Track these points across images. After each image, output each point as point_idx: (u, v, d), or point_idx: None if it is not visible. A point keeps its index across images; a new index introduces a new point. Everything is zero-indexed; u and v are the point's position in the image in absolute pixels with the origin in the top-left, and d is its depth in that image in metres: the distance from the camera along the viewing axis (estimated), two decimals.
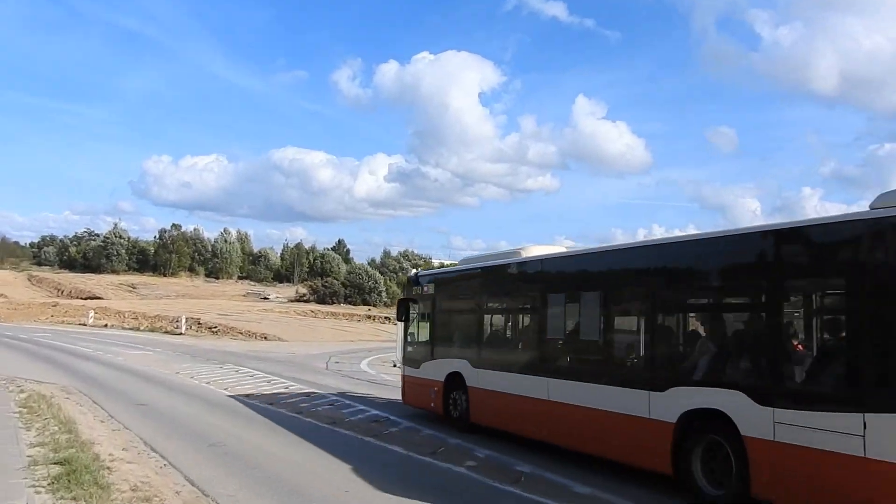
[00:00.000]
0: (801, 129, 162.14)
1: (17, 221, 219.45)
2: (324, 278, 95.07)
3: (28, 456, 7.96)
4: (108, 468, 7.54)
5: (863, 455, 5.47)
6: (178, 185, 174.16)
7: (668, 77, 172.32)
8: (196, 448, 9.53)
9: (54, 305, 58.59)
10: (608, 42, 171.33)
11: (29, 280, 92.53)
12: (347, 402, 14.78)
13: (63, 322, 48.15)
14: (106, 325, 45.52)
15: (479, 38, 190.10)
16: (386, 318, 49.50)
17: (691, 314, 7.96)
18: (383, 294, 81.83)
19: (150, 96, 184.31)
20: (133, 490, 6.83)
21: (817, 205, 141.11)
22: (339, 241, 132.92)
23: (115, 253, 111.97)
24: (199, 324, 43.01)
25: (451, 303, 12.52)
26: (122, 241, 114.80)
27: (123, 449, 9.05)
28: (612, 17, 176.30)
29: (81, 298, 70.41)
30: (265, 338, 37.46)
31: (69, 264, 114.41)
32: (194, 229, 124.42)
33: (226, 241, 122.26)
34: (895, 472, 5.27)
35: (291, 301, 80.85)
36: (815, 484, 5.91)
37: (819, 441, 5.79)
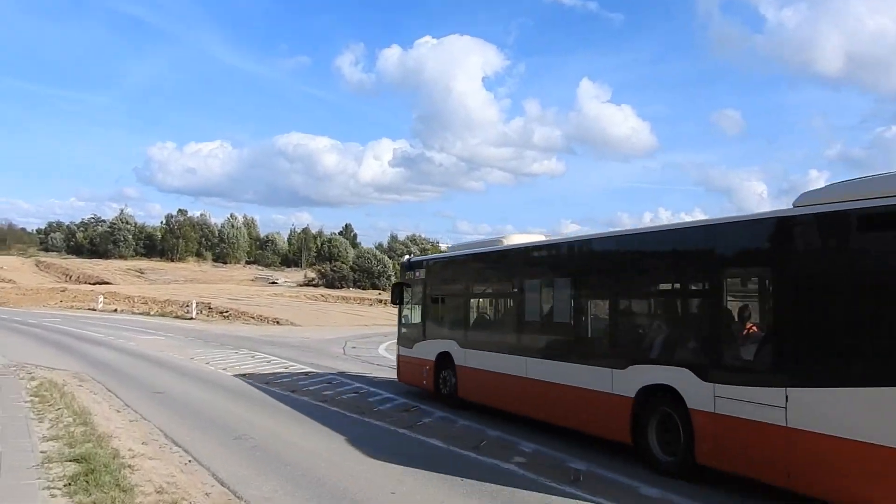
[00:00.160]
0: (806, 111, 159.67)
1: (24, 208, 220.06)
2: (332, 263, 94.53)
3: (41, 452, 7.28)
4: (129, 466, 6.84)
5: (785, 424, 6.09)
6: (182, 171, 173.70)
7: (673, 60, 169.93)
8: (221, 441, 8.84)
9: (63, 291, 58.23)
10: (612, 24, 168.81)
11: (37, 266, 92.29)
12: (371, 389, 14.10)
13: (72, 307, 47.73)
14: (116, 310, 45.05)
15: (482, 22, 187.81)
16: None
17: (647, 299, 8.68)
18: (392, 278, 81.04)
19: (154, 82, 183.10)
20: (158, 492, 6.13)
21: None
22: (346, 225, 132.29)
23: (123, 238, 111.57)
24: (209, 308, 42.48)
25: (441, 287, 13.11)
26: (128, 226, 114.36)
27: (143, 443, 8.36)
28: None
29: (90, 283, 70.08)
30: (277, 322, 36.86)
31: (76, 250, 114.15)
32: (201, 214, 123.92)
33: (233, 226, 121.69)
34: (812, 440, 5.87)
35: (300, 285, 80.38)
36: (747, 451, 6.51)
37: (750, 412, 6.43)
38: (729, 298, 7.30)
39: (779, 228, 6.61)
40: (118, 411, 10.79)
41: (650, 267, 8.44)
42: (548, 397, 9.39)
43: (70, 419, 9.10)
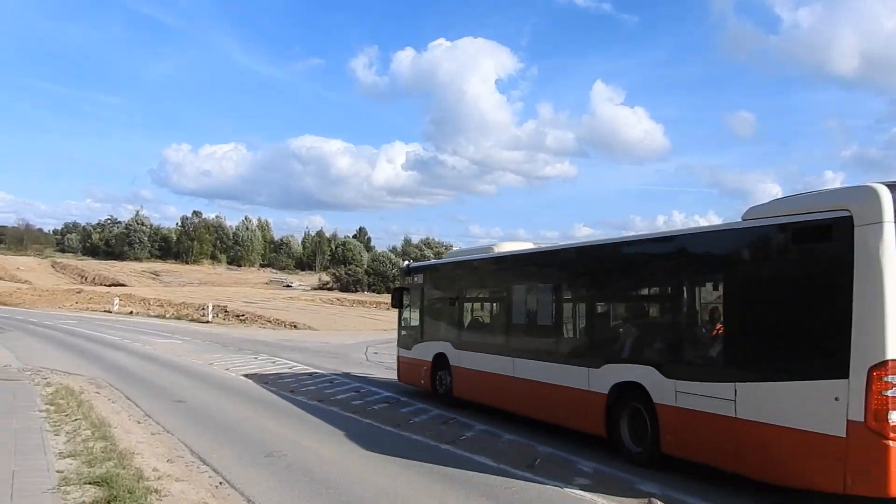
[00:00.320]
0: (821, 112, 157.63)
1: (41, 209, 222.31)
2: (346, 266, 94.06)
3: (58, 471, 6.56)
4: (155, 491, 6.09)
5: (734, 416, 6.70)
6: (197, 173, 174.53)
7: (687, 61, 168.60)
8: (252, 459, 8.07)
9: (79, 292, 58.05)
10: (626, 26, 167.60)
11: (53, 267, 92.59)
12: (402, 398, 13.31)
13: (88, 309, 47.46)
14: (131, 313, 44.68)
15: (495, 24, 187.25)
16: None
17: (619, 303, 9.35)
18: None
19: (170, 84, 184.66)
20: None
21: None
22: (360, 228, 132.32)
23: (138, 240, 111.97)
24: (225, 311, 41.98)
25: (437, 292, 13.67)
26: (144, 228, 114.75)
27: (168, 461, 7.63)
28: (630, 0, 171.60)
29: (105, 285, 70.02)
30: (295, 326, 36.24)
31: (92, 251, 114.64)
32: (216, 217, 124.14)
33: (247, 228, 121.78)
34: (757, 428, 6.47)
35: (314, 289, 79.94)
36: (703, 440, 7.14)
37: (705, 405, 7.06)
38: (688, 303, 8.04)
39: (729, 240, 7.32)
40: (138, 422, 10.09)
41: (621, 274, 9.05)
42: (533, 395, 10.02)
43: (88, 432, 8.40)
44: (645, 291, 9.00)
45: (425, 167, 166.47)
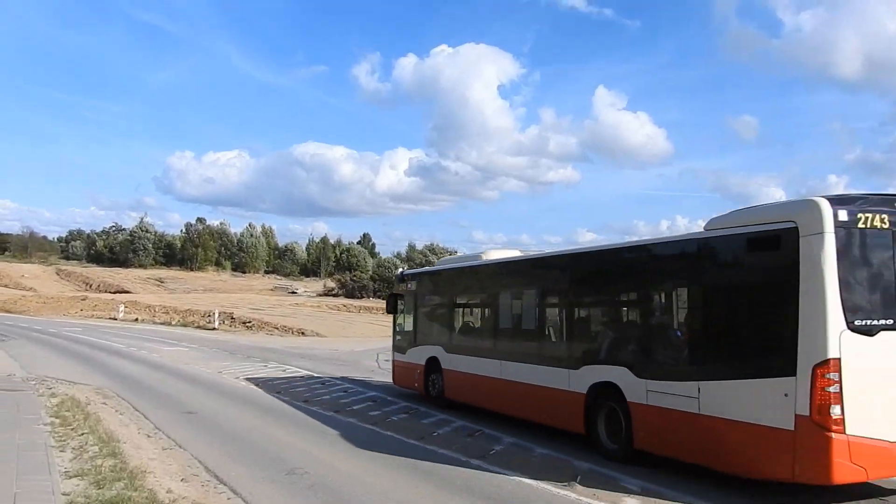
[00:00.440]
0: (825, 115, 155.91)
1: (45, 217, 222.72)
2: (351, 272, 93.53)
3: (64, 494, 6.04)
4: None
5: (698, 412, 7.14)
6: (200, 180, 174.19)
7: (689, 66, 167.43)
8: (272, 477, 7.50)
9: (83, 299, 57.65)
10: (628, 31, 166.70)
11: (57, 274, 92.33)
12: (421, 408, 12.73)
13: (93, 316, 47.02)
14: (136, 320, 44.22)
15: (497, 30, 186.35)
16: None
17: (596, 308, 9.77)
18: None
19: (173, 92, 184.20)
20: None
21: (843, 193, 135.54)
22: (364, 234, 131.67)
23: (142, 247, 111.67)
24: (231, 318, 41.46)
25: (429, 298, 14.15)
26: (148, 235, 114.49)
27: (182, 479, 7.08)
28: (632, 5, 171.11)
29: (110, 292, 69.63)
30: (302, 333, 35.68)
31: (96, 258, 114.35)
32: (220, 223, 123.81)
33: (251, 235, 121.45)
34: (717, 423, 6.91)
35: (320, 295, 79.35)
36: (671, 435, 7.58)
37: (672, 403, 7.50)
38: (656, 307, 8.58)
39: (692, 249, 7.78)
40: (148, 436, 9.55)
41: (597, 281, 9.51)
42: (518, 396, 10.44)
43: (96, 448, 7.87)
44: (618, 297, 9.37)
45: (428, 173, 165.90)
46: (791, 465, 6.20)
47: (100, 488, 6.14)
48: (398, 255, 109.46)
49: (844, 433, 5.97)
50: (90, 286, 79.38)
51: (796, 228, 6.34)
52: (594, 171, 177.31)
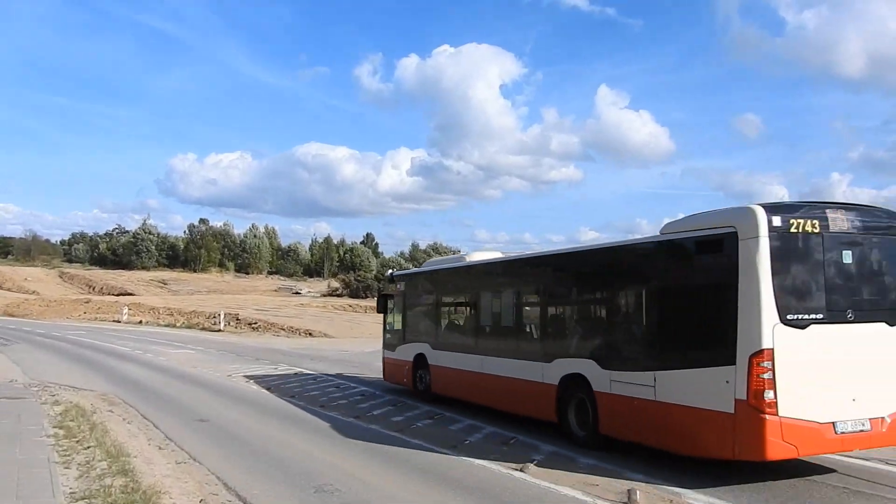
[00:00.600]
0: (828, 114, 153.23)
1: (48, 220, 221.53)
2: (355, 272, 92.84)
3: None
4: None
5: (654, 399, 7.80)
6: (203, 182, 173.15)
7: (692, 65, 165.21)
8: (301, 497, 6.75)
9: (87, 302, 57.01)
10: (630, 30, 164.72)
11: (60, 277, 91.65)
12: (448, 414, 12.01)
13: (97, 319, 46.38)
14: (141, 322, 43.58)
15: (499, 30, 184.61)
16: None
17: (566, 306, 10.41)
18: None
19: (175, 95, 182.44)
20: None
21: (846, 190, 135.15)
22: (367, 234, 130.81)
23: (145, 249, 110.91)
24: (237, 320, 40.78)
25: (417, 298, 14.78)
26: (151, 237, 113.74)
27: (201, 500, 6.37)
28: (634, 4, 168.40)
29: (113, 295, 68.99)
30: (310, 334, 35.01)
31: (100, 261, 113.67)
32: (223, 225, 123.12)
33: (255, 236, 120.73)
34: (671, 409, 7.58)
35: (324, 295, 78.63)
36: (631, 421, 8.21)
37: (632, 391, 8.16)
38: (618, 304, 9.16)
39: (648, 251, 8.51)
40: (160, 448, 8.84)
41: (567, 280, 10.31)
42: (498, 389, 11.07)
43: (104, 464, 7.18)
44: (586, 295, 10.03)
45: (430, 173, 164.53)
46: (732, 444, 6.89)
47: None
48: (402, 255, 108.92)
49: (777, 415, 6.64)
50: (93, 289, 78.74)
51: (736, 233, 7.02)
52: (597, 170, 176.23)
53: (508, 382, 10.72)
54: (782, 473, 7.37)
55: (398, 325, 15.20)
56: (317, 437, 10.04)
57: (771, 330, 6.68)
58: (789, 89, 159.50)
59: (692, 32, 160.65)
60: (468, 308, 12.89)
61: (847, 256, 7.20)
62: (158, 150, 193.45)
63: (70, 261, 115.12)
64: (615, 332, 8.99)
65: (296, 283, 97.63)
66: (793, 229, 6.96)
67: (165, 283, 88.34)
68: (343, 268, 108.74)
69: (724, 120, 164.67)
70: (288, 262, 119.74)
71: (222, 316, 39.99)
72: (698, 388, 7.24)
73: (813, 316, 6.92)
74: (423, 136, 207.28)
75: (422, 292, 14.64)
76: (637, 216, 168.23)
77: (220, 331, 37.51)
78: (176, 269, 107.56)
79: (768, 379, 6.62)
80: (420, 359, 13.86)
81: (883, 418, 7.12)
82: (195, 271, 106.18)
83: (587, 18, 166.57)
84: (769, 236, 6.82)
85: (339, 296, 77.30)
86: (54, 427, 9.41)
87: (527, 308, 11.11)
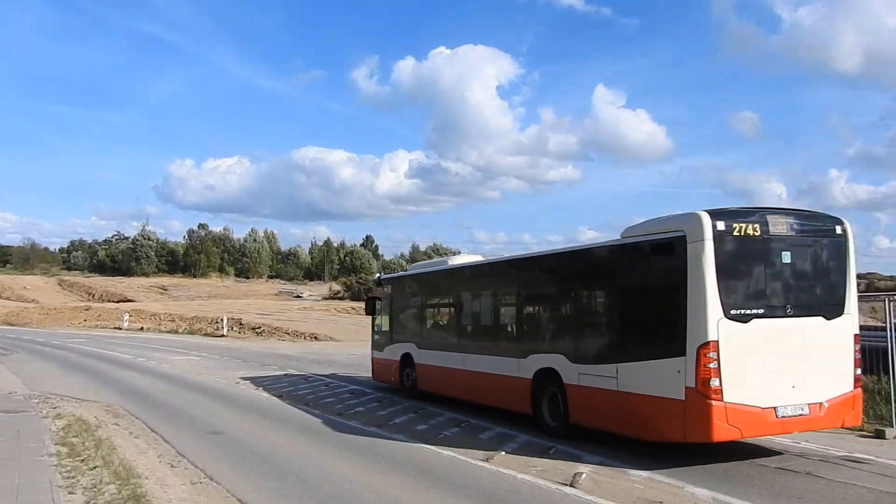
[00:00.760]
0: (825, 110, 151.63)
1: (46, 228, 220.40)
2: (356, 275, 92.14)
3: None
4: None
5: (616, 389, 8.55)
6: (201, 187, 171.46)
7: (688, 63, 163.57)
8: None
9: (87, 309, 56.21)
10: (626, 29, 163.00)
11: (59, 285, 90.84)
12: (473, 421, 11.30)
13: (97, 326, 45.66)
14: (142, 329, 42.90)
15: (495, 32, 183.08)
16: None
17: (539, 305, 11.17)
18: None
19: (172, 100, 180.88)
20: None
21: (844, 186, 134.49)
22: (367, 237, 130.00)
23: (145, 255, 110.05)
24: (240, 324, 40.07)
25: (403, 300, 15.47)
26: (150, 243, 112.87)
27: None
28: (630, 4, 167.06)
29: (113, 302, 68.21)
30: (315, 338, 34.35)
31: (99, 268, 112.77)
32: (223, 229, 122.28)
33: (254, 240, 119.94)
34: (631, 398, 8.27)
35: (325, 298, 77.87)
36: (598, 410, 8.98)
37: (597, 383, 8.91)
38: (585, 303, 9.88)
39: (611, 253, 9.13)
40: (172, 466, 8.14)
41: (540, 281, 10.99)
42: (478, 384, 11.71)
43: (113, 487, 6.48)
44: (556, 294, 10.61)
45: (428, 175, 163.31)
46: (683, 428, 7.51)
47: None
48: (402, 256, 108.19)
49: (722, 401, 7.25)
50: (93, 296, 77.93)
51: (685, 237, 7.64)
52: (595, 170, 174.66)
53: (488, 378, 11.38)
54: (734, 456, 8.07)
55: (386, 327, 15.79)
56: (338, 450, 9.33)
57: (716, 324, 7.32)
58: (786, 86, 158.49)
59: (688, 31, 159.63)
60: (451, 308, 13.64)
61: (786, 257, 7.85)
62: (156, 156, 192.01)
63: (69, 268, 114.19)
64: (583, 328, 9.68)
65: (297, 287, 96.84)
66: (735, 233, 7.61)
67: (165, 289, 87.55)
68: (343, 270, 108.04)
69: (721, 118, 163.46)
70: (288, 266, 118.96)
71: (225, 321, 39.28)
72: (654, 378, 7.86)
73: (754, 311, 7.56)
74: (420, 138, 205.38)
75: (407, 295, 15.32)
76: (636, 215, 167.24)
77: (223, 336, 36.82)
78: (176, 274, 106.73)
79: (714, 368, 7.24)
80: (406, 358, 14.46)
81: (821, 403, 7.73)
82: (195, 277, 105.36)
83: (583, 18, 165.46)
84: (714, 239, 7.46)
85: (340, 299, 76.49)
86: (56, 444, 8.71)
87: (504, 308, 11.74)
